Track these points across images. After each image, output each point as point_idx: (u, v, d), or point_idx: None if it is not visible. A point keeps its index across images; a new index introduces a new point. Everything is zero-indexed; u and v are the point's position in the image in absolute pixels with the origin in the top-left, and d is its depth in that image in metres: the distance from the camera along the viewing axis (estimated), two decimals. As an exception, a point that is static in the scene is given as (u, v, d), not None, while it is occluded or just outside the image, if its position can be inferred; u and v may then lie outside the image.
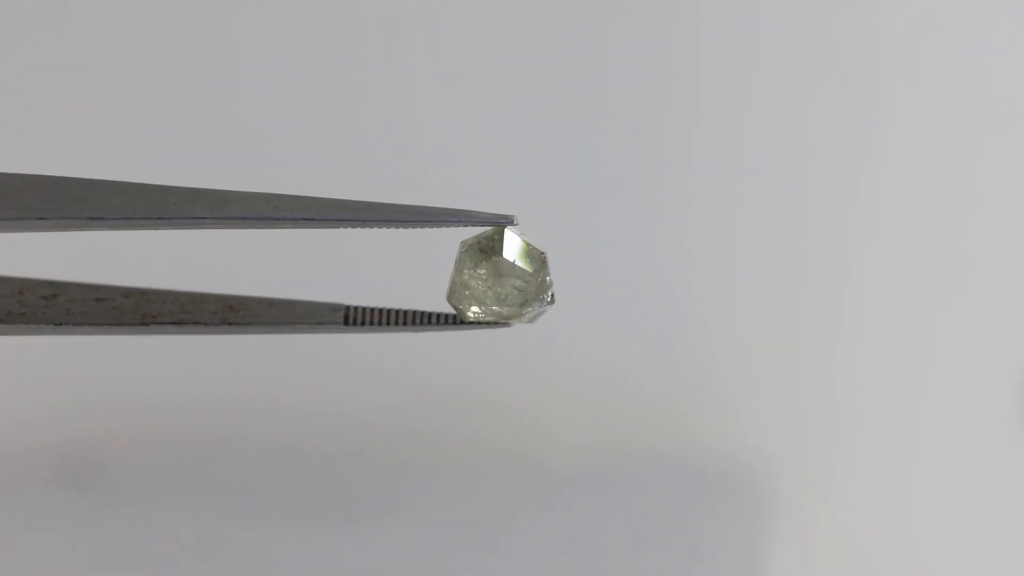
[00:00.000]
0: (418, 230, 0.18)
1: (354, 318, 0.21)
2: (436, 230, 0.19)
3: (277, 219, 0.17)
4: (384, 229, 0.18)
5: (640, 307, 0.36)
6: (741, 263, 0.36)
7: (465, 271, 0.19)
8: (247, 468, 0.34)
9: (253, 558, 0.34)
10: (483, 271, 0.19)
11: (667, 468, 0.35)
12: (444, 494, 0.35)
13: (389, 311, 0.21)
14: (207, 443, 0.34)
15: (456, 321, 0.20)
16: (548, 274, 0.20)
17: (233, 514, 0.34)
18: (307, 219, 0.17)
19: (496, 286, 0.19)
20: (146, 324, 0.22)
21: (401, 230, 0.18)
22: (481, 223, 0.19)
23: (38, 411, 0.34)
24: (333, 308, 0.22)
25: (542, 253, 0.20)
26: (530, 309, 0.20)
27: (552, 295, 0.20)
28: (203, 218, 0.17)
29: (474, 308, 0.20)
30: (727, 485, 0.35)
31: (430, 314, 0.21)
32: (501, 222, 0.19)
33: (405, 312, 0.21)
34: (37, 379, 0.34)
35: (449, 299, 0.20)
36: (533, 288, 0.20)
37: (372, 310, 0.21)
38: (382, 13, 0.37)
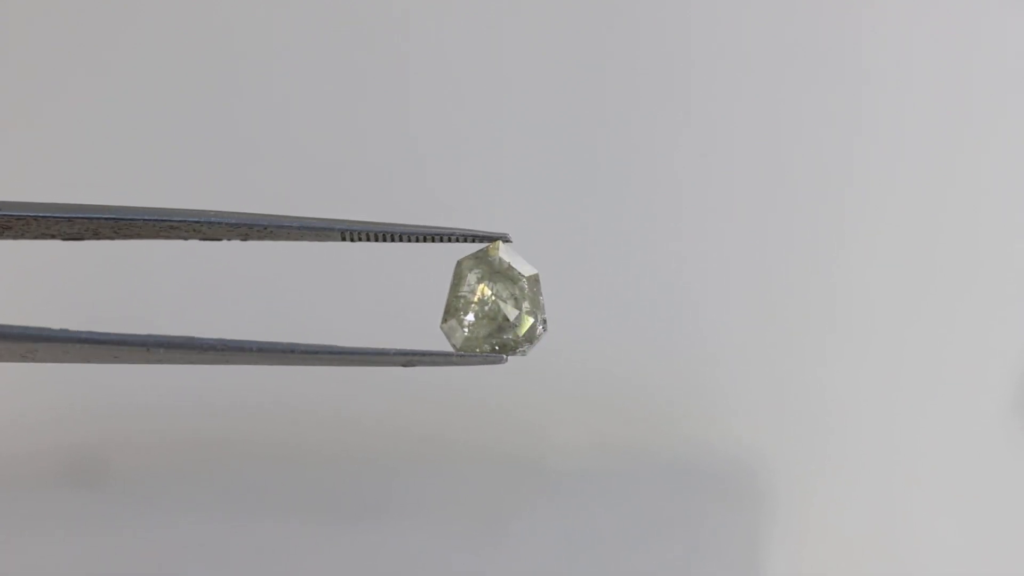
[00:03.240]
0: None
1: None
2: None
3: (285, 227, 0.18)
4: (384, 244, 0.19)
5: (638, 312, 0.36)
6: (735, 269, 0.37)
7: (461, 285, 0.20)
8: (252, 470, 0.35)
9: (258, 557, 0.35)
10: (479, 272, 0.20)
11: (665, 467, 0.35)
12: (447, 494, 0.35)
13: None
14: (214, 446, 0.35)
15: (449, 356, 0.20)
16: (541, 293, 0.20)
17: (237, 514, 0.35)
18: (314, 228, 0.18)
19: (492, 284, 0.20)
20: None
21: (400, 247, 0.19)
22: (477, 238, 0.19)
23: (49, 414, 0.35)
24: None
25: (535, 271, 0.20)
26: (527, 329, 0.20)
27: (545, 322, 0.20)
28: (214, 223, 0.17)
29: (469, 317, 0.20)
30: (724, 483, 0.35)
31: (423, 351, 0.20)
32: (496, 237, 0.20)
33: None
34: (48, 383, 0.34)
35: (443, 324, 0.20)
36: (528, 299, 0.20)
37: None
38: (382, 29, 0.37)
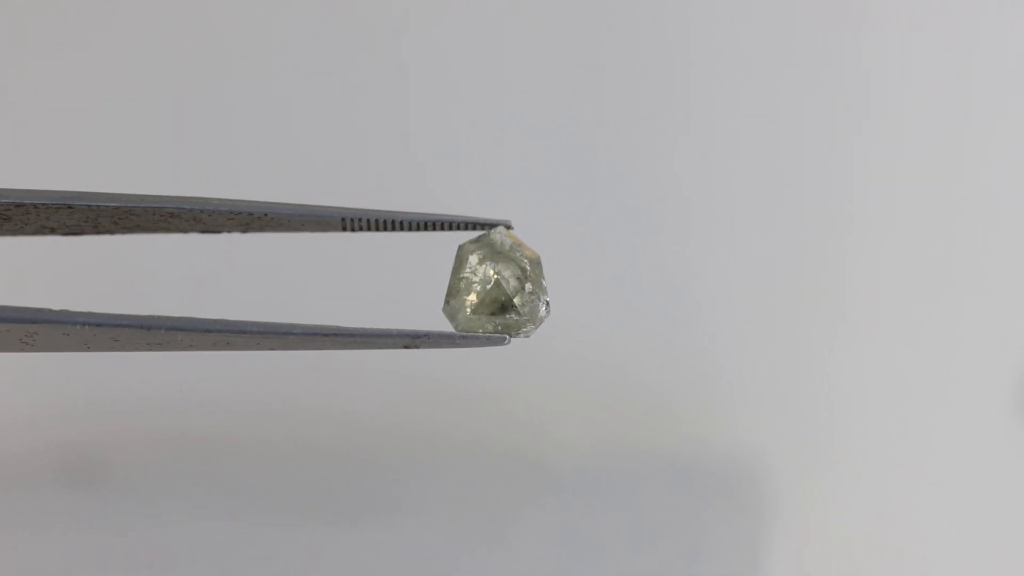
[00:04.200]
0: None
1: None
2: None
3: (286, 214, 0.18)
4: (384, 234, 0.19)
5: (639, 309, 0.36)
6: (738, 266, 0.37)
7: (463, 267, 0.20)
8: (252, 469, 0.35)
9: (258, 557, 0.34)
10: (481, 253, 0.20)
11: (666, 466, 0.35)
12: (447, 493, 0.35)
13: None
14: (214, 445, 0.35)
15: (452, 337, 0.19)
16: (543, 277, 0.20)
17: (237, 514, 0.34)
18: (314, 215, 0.18)
19: (494, 264, 0.19)
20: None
21: (400, 238, 0.19)
22: (479, 225, 0.19)
23: (47, 412, 0.35)
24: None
25: (537, 255, 0.20)
26: (530, 308, 0.20)
27: (548, 304, 0.20)
28: (214, 211, 0.17)
29: (471, 298, 0.19)
30: (725, 482, 0.35)
31: (425, 332, 0.19)
32: (497, 224, 0.19)
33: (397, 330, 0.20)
34: (46, 381, 0.34)
35: (445, 307, 0.20)
36: (531, 279, 0.20)
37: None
38: (381, 22, 0.37)
